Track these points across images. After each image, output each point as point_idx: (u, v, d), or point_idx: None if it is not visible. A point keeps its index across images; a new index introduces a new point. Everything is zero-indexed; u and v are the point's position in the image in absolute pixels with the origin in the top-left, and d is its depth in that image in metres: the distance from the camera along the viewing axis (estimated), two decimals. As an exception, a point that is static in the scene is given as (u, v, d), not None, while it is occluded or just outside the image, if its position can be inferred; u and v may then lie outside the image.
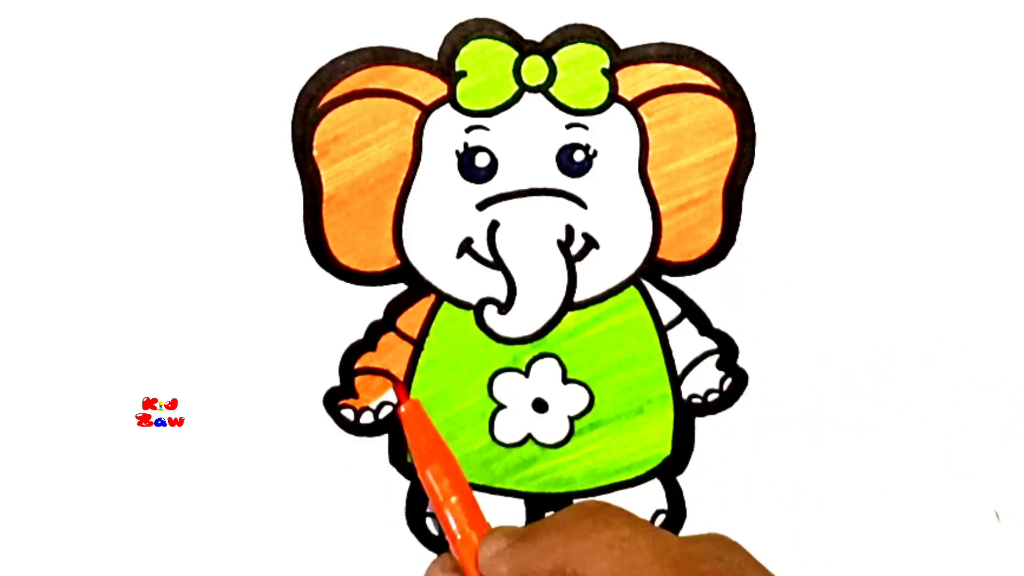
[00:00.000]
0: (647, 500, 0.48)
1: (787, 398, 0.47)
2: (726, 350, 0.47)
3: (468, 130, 0.45)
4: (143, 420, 0.47)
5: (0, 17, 0.45)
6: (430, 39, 0.45)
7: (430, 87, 0.45)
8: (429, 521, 0.48)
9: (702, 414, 0.47)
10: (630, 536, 0.38)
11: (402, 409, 0.45)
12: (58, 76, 0.45)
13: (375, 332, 0.47)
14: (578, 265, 0.46)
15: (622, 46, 0.45)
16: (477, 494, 0.47)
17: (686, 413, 0.47)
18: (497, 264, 0.46)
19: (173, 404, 0.47)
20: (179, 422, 0.47)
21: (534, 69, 0.45)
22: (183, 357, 0.46)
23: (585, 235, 0.46)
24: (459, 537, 0.43)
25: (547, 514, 0.46)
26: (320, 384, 0.47)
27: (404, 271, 0.46)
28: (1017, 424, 0.48)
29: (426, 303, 0.47)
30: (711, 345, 0.47)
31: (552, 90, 0.45)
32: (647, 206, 0.46)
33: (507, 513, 0.48)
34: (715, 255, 0.46)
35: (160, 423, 0.47)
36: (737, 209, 0.46)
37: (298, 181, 0.45)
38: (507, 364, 0.47)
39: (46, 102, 0.45)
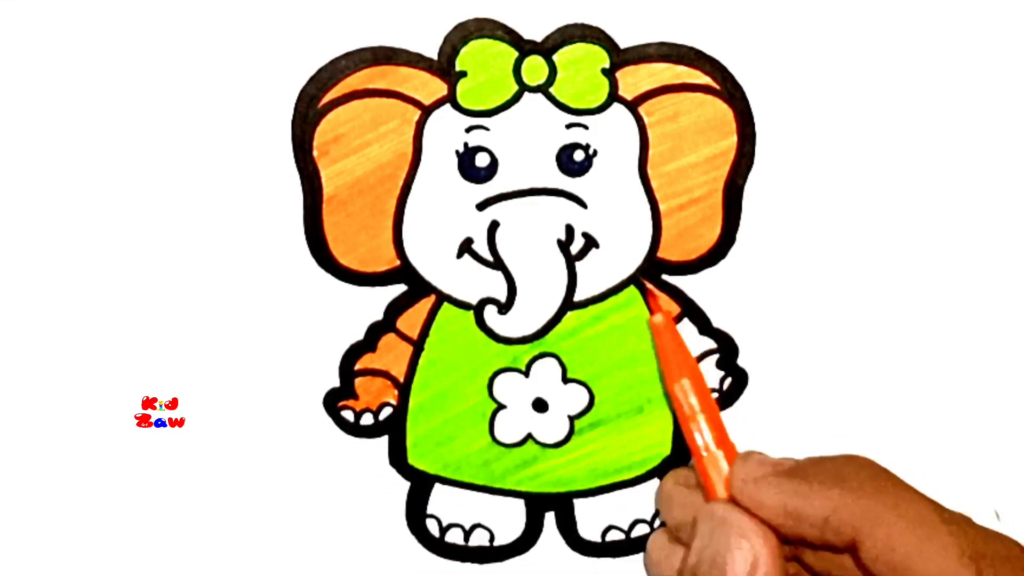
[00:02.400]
0: (647, 500, 0.48)
1: (787, 398, 0.47)
2: (726, 350, 0.47)
3: (468, 130, 0.45)
4: (142, 421, 0.47)
5: (1, 17, 0.45)
6: (430, 39, 0.45)
7: (430, 87, 0.45)
8: (429, 522, 0.48)
9: (651, 312, 0.46)
10: (926, 511, 0.35)
11: (656, 319, 0.43)
12: (59, 76, 0.45)
13: (375, 333, 0.47)
14: (578, 265, 0.46)
15: (622, 46, 0.45)
16: (476, 494, 0.47)
17: (686, 413, 0.47)
18: (497, 264, 0.46)
19: (173, 404, 0.47)
20: (179, 422, 0.47)
21: (534, 69, 0.45)
22: (183, 357, 0.46)
23: (585, 235, 0.46)
24: (705, 454, 0.40)
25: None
26: (320, 385, 0.47)
27: (404, 271, 0.46)
28: (1017, 424, 0.48)
29: (426, 303, 0.47)
30: (711, 344, 0.47)
31: (552, 90, 0.45)
32: (647, 206, 0.46)
33: (507, 513, 0.48)
34: (715, 254, 0.46)
35: (160, 423, 0.47)
36: (737, 208, 0.46)
37: (298, 181, 0.45)
38: (507, 364, 0.47)
39: (47, 103, 0.45)
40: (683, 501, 0.41)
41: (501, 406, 0.47)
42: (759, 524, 0.37)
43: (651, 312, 0.44)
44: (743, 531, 0.37)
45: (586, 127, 0.45)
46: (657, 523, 0.48)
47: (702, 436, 0.41)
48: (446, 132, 0.45)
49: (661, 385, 0.47)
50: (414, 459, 0.47)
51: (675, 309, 0.47)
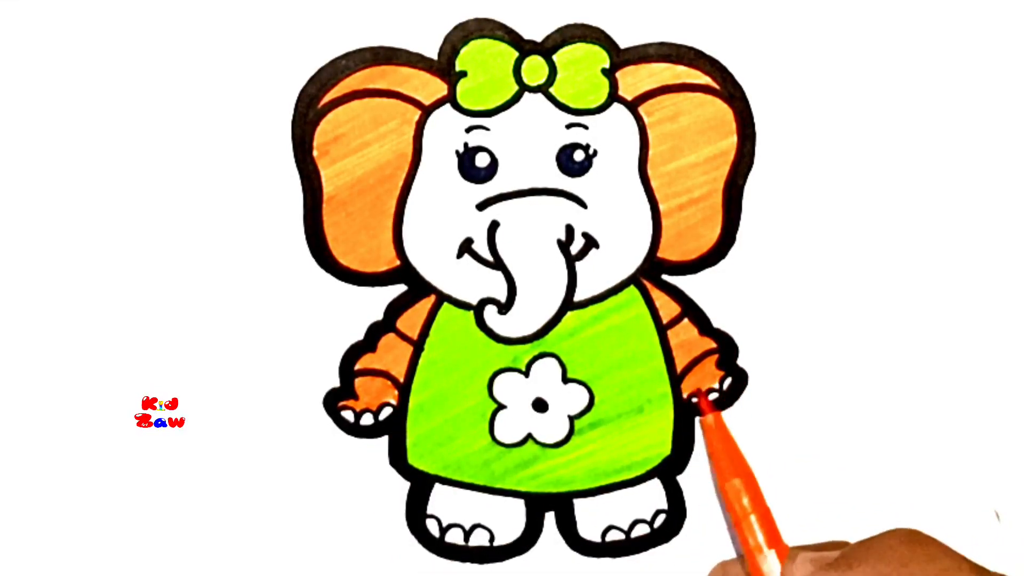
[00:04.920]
0: (647, 500, 0.48)
1: (787, 398, 0.47)
2: (726, 350, 0.47)
3: (468, 130, 0.45)
4: (143, 421, 0.47)
5: (1, 17, 0.45)
6: (430, 39, 0.45)
7: (430, 87, 0.45)
8: (429, 522, 0.48)
9: (702, 414, 0.47)
10: (953, 569, 0.38)
11: (707, 419, 0.45)
12: (59, 76, 0.45)
13: (375, 333, 0.47)
14: (578, 265, 0.46)
15: (622, 46, 0.45)
16: (476, 494, 0.47)
17: (686, 413, 0.47)
18: (497, 264, 0.46)
19: (173, 404, 0.47)
20: (179, 423, 0.47)
21: (534, 69, 0.45)
22: (183, 357, 0.46)
23: (585, 235, 0.46)
24: (758, 555, 0.42)
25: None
26: (320, 385, 0.47)
27: (404, 271, 0.46)
28: (1017, 424, 0.48)
29: (426, 304, 0.47)
30: (711, 344, 0.47)
31: (552, 90, 0.45)
32: (647, 206, 0.46)
33: (507, 513, 0.48)
34: (715, 254, 0.46)
35: (160, 423, 0.47)
36: (737, 208, 0.46)
37: (298, 181, 0.45)
38: (507, 364, 0.47)
39: (47, 103, 0.45)
40: None
41: (501, 406, 0.47)
42: None
43: (702, 413, 0.46)
44: None
45: (586, 127, 0.45)
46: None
47: (754, 537, 0.43)
48: (446, 132, 0.45)
49: (662, 384, 0.47)
50: (414, 459, 0.47)
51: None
